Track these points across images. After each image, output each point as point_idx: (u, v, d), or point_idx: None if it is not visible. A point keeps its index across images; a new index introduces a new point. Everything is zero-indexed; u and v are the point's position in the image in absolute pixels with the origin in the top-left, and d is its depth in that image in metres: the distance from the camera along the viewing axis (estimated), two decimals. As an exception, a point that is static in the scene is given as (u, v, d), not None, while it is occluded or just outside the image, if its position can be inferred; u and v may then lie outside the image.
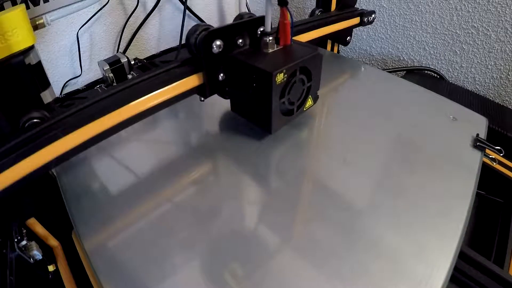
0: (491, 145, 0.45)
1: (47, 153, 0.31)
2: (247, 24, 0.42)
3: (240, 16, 0.45)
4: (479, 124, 0.49)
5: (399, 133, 0.47)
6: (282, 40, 0.43)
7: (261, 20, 0.43)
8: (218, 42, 0.39)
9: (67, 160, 0.34)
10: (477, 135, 0.46)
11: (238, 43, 0.42)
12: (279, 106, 0.41)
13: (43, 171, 0.32)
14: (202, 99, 0.43)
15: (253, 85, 0.40)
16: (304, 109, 0.46)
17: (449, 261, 0.30)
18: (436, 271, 0.29)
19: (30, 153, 0.30)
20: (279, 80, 0.38)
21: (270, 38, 0.41)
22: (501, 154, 0.46)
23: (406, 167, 0.41)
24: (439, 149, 0.44)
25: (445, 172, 0.40)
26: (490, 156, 0.46)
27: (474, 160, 0.42)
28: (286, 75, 0.39)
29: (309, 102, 0.46)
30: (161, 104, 0.39)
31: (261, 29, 0.43)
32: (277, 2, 0.39)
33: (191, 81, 0.41)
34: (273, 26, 0.42)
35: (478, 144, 0.45)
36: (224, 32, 0.40)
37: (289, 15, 0.40)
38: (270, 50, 0.42)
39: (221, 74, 0.42)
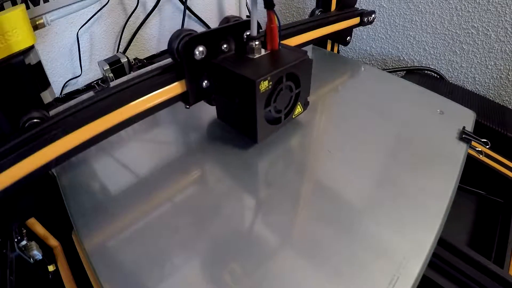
0: (477, 138, 0.45)
1: (47, 153, 0.31)
2: (232, 28, 0.40)
3: (226, 20, 0.43)
4: (467, 118, 0.50)
5: (393, 131, 0.47)
6: (269, 45, 0.41)
7: (247, 24, 0.41)
8: (200, 48, 0.38)
9: (67, 160, 0.34)
10: (463, 127, 0.47)
11: (223, 48, 0.40)
12: (264, 115, 0.39)
13: (43, 171, 0.32)
14: (187, 106, 0.42)
15: (237, 93, 0.39)
16: (293, 116, 0.44)
17: (427, 248, 0.31)
18: (414, 258, 0.30)
19: (30, 153, 0.30)
20: (263, 88, 0.36)
21: (257, 42, 0.40)
22: (487, 147, 0.46)
23: (394, 162, 0.42)
24: (427, 142, 0.45)
25: (430, 164, 0.41)
26: (477, 149, 0.46)
27: (459, 152, 0.43)
28: (271, 82, 0.37)
29: (298, 109, 0.44)
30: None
31: (247, 33, 0.41)
32: (263, 5, 0.37)
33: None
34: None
35: (463, 136, 0.45)
36: (207, 37, 0.38)
37: (276, 19, 0.38)
38: (256, 56, 0.40)
39: (205, 81, 0.41)
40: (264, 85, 0.36)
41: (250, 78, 0.36)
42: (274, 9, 0.38)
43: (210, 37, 0.39)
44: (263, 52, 0.41)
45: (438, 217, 0.34)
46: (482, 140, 0.45)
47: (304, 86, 0.43)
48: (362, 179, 0.39)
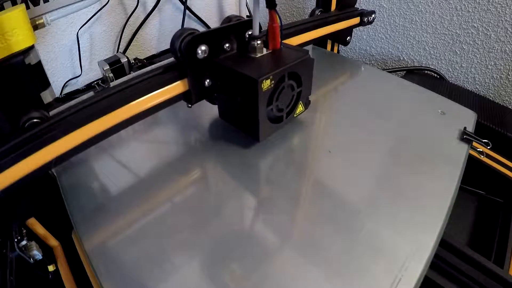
0: (478, 138, 0.45)
1: (47, 153, 0.31)
2: (234, 27, 0.41)
3: (228, 19, 0.43)
4: (468, 119, 0.50)
5: (394, 131, 0.47)
6: (271, 44, 0.41)
7: (249, 23, 0.41)
8: (203, 47, 0.38)
9: (67, 160, 0.34)
10: (465, 128, 0.47)
11: (225, 47, 0.41)
12: (266, 114, 0.40)
13: (43, 171, 0.32)
14: (189, 105, 0.42)
15: (240, 91, 0.39)
16: (295, 115, 0.45)
17: (429, 248, 0.31)
18: (415, 259, 0.30)
19: (30, 153, 0.30)
20: (265, 87, 0.37)
21: (259, 42, 0.40)
22: (488, 147, 0.46)
23: (395, 162, 0.41)
24: (428, 143, 0.45)
25: (431, 165, 0.41)
26: (478, 149, 0.46)
27: (460, 152, 0.43)
28: (273, 81, 0.37)
29: (300, 108, 0.45)
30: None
31: (249, 32, 0.42)
32: (265, 5, 0.37)
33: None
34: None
35: (465, 137, 0.45)
36: (209, 36, 0.38)
37: (278, 18, 0.39)
38: (258, 55, 0.40)
39: (207, 80, 0.41)
40: (266, 84, 0.37)
41: (252, 77, 0.36)
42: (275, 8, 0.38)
43: (213, 36, 0.39)
44: (265, 51, 0.41)
45: (440, 218, 0.34)
46: (483, 140, 0.45)
47: (305, 85, 0.43)
48: (363, 180, 0.39)
